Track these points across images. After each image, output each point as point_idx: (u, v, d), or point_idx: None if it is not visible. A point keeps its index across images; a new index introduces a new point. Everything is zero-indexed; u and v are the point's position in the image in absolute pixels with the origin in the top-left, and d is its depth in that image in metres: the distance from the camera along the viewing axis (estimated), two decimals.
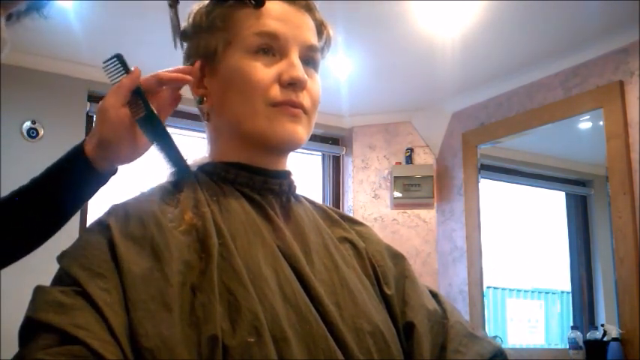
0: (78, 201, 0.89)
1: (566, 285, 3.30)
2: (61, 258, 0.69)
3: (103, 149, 0.83)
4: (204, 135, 0.89)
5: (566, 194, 3.39)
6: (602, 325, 2.69)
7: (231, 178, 0.81)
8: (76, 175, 0.85)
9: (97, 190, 0.90)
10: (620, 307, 2.60)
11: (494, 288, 3.45)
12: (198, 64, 0.84)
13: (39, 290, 0.65)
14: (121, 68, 0.82)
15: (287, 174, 0.85)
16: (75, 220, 3.29)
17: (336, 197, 3.84)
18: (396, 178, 3.57)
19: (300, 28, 0.82)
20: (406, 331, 0.79)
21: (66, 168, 0.86)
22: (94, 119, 0.85)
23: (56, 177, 0.87)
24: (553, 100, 2.98)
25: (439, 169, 3.61)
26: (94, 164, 0.85)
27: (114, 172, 0.90)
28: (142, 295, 0.63)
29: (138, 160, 0.87)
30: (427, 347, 0.78)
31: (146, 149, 0.86)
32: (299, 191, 0.89)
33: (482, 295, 3.27)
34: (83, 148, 0.85)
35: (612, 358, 2.56)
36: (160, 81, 0.84)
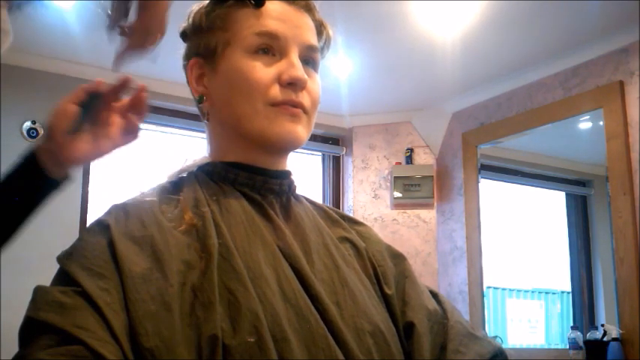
0: (26, 206, 0.85)
1: (566, 285, 3.30)
2: (61, 258, 0.69)
3: (48, 141, 0.82)
4: (204, 135, 0.89)
5: (566, 194, 3.39)
6: (602, 325, 2.69)
7: (231, 178, 0.81)
8: (23, 176, 0.83)
9: (45, 197, 0.86)
10: (620, 307, 2.60)
11: (495, 288, 3.45)
12: (195, 60, 0.84)
13: (39, 290, 0.65)
14: None
15: (287, 174, 0.85)
16: (75, 220, 3.27)
17: (336, 197, 3.85)
18: (396, 178, 3.57)
19: (300, 28, 0.82)
20: (406, 331, 0.79)
21: (15, 168, 0.84)
22: None
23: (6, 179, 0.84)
24: (553, 100, 2.98)
25: (439, 169, 3.61)
26: (42, 165, 0.82)
27: (65, 178, 0.86)
28: (142, 295, 0.63)
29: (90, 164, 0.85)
30: (427, 347, 0.78)
31: (93, 157, 0.84)
32: (299, 191, 0.89)
33: (482, 295, 3.27)
34: (33, 149, 0.83)
35: (612, 358, 2.56)
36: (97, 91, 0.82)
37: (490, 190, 3.41)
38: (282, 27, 0.80)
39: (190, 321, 0.63)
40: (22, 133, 2.92)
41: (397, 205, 3.60)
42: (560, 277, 3.34)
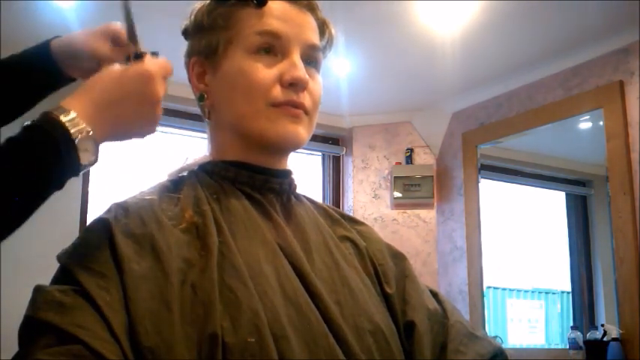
0: (28, 91, 0.89)
1: (566, 285, 3.29)
2: (61, 257, 0.69)
3: (65, 44, 0.85)
4: (205, 135, 0.89)
5: (566, 194, 3.39)
6: (602, 325, 2.69)
7: (232, 176, 0.81)
8: (33, 57, 0.87)
9: (46, 89, 0.90)
10: (620, 307, 2.60)
11: (495, 288, 3.45)
12: (197, 58, 0.84)
13: (38, 290, 0.65)
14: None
15: (288, 173, 0.85)
16: (75, 220, 3.27)
17: (336, 197, 3.84)
18: (396, 178, 3.57)
19: (302, 27, 0.82)
20: (407, 330, 0.79)
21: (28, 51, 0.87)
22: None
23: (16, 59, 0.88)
24: (553, 100, 2.98)
25: (439, 169, 3.61)
26: (54, 57, 0.86)
27: (70, 79, 0.90)
28: (142, 293, 0.63)
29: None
30: (428, 346, 0.78)
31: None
32: (299, 191, 0.89)
33: (483, 295, 3.27)
34: (49, 41, 0.86)
35: (612, 358, 2.56)
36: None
37: (490, 190, 3.41)
38: (284, 26, 0.80)
39: (190, 319, 0.63)
40: None
41: (397, 205, 3.60)
42: (560, 277, 3.34)
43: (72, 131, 0.64)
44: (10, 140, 0.63)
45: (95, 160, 0.68)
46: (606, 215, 2.76)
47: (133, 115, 0.71)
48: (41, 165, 0.63)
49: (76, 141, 0.65)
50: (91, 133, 0.66)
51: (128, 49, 0.81)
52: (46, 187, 0.65)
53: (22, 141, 0.63)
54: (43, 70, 0.88)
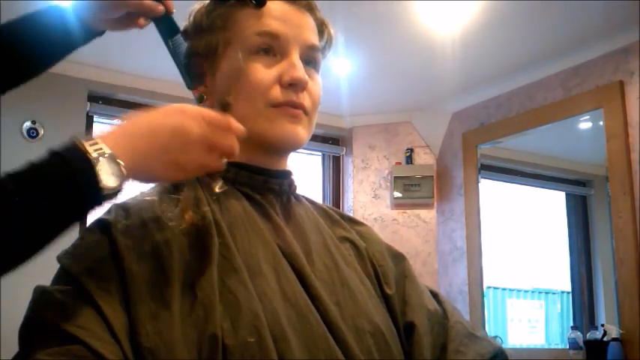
0: (51, 48, 0.90)
1: (566, 285, 3.30)
2: (61, 257, 0.69)
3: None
4: None
5: (566, 194, 3.39)
6: (602, 325, 2.69)
7: (231, 177, 0.81)
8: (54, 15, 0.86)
9: (71, 42, 0.90)
10: (620, 307, 2.60)
11: (495, 288, 3.45)
12: (196, 59, 0.84)
13: (39, 290, 0.65)
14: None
15: (287, 174, 0.86)
16: None
17: (336, 197, 3.85)
18: (396, 178, 3.57)
19: (301, 27, 0.82)
20: (406, 331, 0.79)
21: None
22: None
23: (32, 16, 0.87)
24: (553, 100, 2.98)
25: (439, 169, 3.61)
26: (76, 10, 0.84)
27: (95, 33, 0.88)
28: (142, 294, 0.63)
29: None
30: (427, 347, 0.78)
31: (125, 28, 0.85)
32: (299, 191, 0.89)
33: (483, 295, 3.27)
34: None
35: (612, 358, 2.56)
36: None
37: (490, 190, 3.41)
38: (283, 27, 0.80)
39: (190, 320, 0.63)
40: (22, 133, 2.91)
41: (397, 205, 3.60)
42: (560, 277, 3.34)
43: (101, 181, 0.59)
44: (30, 164, 0.60)
45: (119, 192, 0.62)
46: (606, 215, 2.76)
47: (164, 167, 0.65)
48: (54, 194, 0.59)
49: (96, 168, 0.59)
50: (123, 172, 0.60)
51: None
52: (60, 217, 0.60)
53: (37, 166, 0.60)
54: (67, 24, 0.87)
